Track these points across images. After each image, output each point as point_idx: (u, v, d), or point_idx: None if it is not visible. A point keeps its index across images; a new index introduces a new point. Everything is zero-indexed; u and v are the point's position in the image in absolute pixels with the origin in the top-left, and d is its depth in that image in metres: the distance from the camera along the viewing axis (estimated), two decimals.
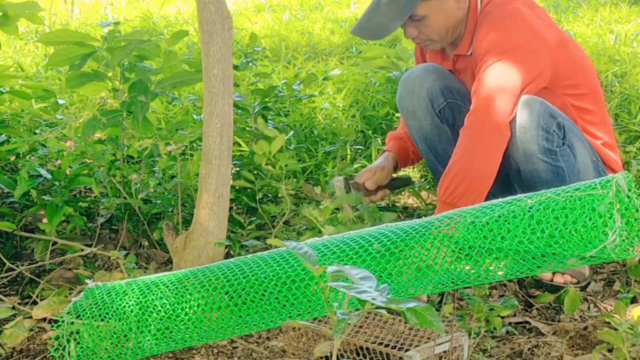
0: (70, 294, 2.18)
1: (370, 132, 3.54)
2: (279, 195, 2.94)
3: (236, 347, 2.00)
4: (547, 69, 2.38)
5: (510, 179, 2.40)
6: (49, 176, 2.52)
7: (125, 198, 2.60)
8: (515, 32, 2.37)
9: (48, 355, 1.90)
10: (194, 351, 1.96)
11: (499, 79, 2.31)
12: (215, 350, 1.97)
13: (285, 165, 2.59)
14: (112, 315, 1.65)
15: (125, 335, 1.64)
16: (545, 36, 2.39)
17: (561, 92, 2.43)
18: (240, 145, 3.22)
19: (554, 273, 2.27)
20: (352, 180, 2.68)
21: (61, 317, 1.66)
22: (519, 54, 2.33)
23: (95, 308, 1.67)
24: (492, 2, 2.47)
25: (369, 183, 2.67)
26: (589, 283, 2.32)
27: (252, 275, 1.60)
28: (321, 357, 1.82)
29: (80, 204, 2.62)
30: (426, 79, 2.54)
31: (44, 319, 2.07)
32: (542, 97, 2.39)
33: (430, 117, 2.56)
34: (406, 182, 2.91)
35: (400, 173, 2.93)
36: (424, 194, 3.20)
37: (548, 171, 2.28)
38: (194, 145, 3.14)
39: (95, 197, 2.82)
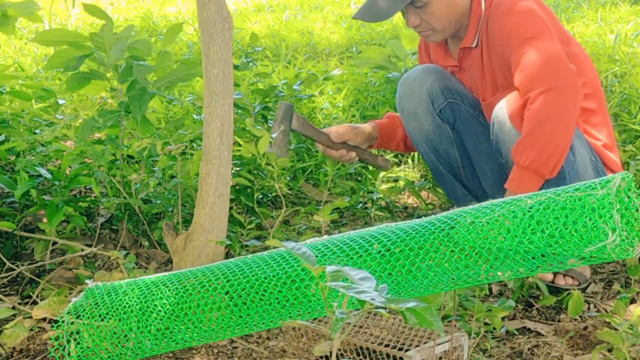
0: (70, 294, 2.18)
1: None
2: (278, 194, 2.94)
3: (236, 347, 2.00)
4: None
5: None
6: (49, 176, 2.52)
7: (125, 198, 2.60)
8: (535, 23, 2.34)
9: (48, 355, 1.90)
10: (194, 351, 1.96)
11: (544, 48, 2.26)
12: (215, 350, 1.97)
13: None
14: (112, 315, 1.65)
15: (126, 335, 1.64)
16: (554, 34, 2.39)
17: None
18: (240, 145, 3.22)
19: (555, 275, 2.27)
20: (303, 117, 2.60)
21: (61, 317, 1.66)
22: (544, 39, 2.31)
23: (95, 308, 1.67)
24: None
25: (335, 134, 2.61)
26: (589, 284, 2.32)
27: (252, 275, 1.60)
28: (321, 357, 1.82)
29: (80, 204, 2.62)
30: (426, 79, 2.53)
31: (44, 319, 2.07)
32: None
33: (432, 118, 2.55)
34: (380, 163, 2.77)
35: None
36: (424, 194, 3.20)
37: None
38: (194, 145, 3.14)
39: (95, 197, 2.82)
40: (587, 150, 2.38)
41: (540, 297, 2.27)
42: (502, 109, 2.33)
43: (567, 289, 2.24)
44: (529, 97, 2.22)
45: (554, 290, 2.26)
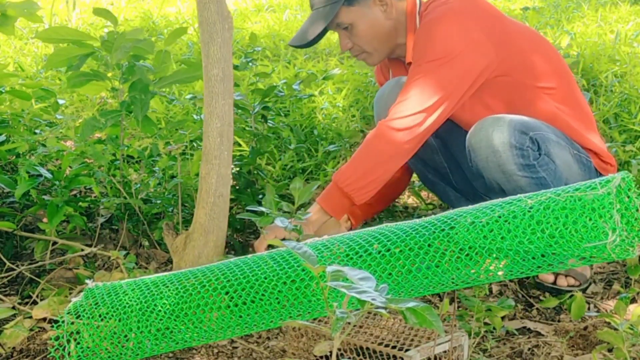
0: (70, 294, 2.18)
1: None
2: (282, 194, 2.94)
3: (236, 347, 2.00)
4: (481, 72, 2.36)
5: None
6: (49, 176, 2.52)
7: (125, 198, 2.60)
8: (442, 40, 2.34)
9: (48, 355, 1.91)
10: (194, 351, 1.96)
11: (418, 93, 2.31)
12: (215, 350, 1.98)
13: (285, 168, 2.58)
14: (112, 315, 1.65)
15: (126, 335, 1.64)
16: (478, 37, 2.36)
17: (523, 80, 2.41)
18: (240, 145, 3.22)
19: (556, 276, 2.27)
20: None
21: (61, 317, 1.66)
22: (444, 64, 2.32)
23: (96, 308, 1.67)
24: (432, 4, 2.45)
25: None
26: (589, 284, 2.32)
27: (252, 275, 1.60)
28: (321, 357, 1.82)
29: (80, 204, 2.62)
30: None
31: (44, 319, 2.07)
32: (505, 87, 2.39)
33: None
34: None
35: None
36: (424, 194, 3.20)
37: (532, 185, 2.26)
38: (194, 145, 3.14)
39: (95, 197, 2.82)
40: (566, 149, 2.35)
41: (541, 298, 2.28)
42: (475, 137, 2.33)
43: (568, 290, 2.24)
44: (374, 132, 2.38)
45: (555, 292, 2.26)
